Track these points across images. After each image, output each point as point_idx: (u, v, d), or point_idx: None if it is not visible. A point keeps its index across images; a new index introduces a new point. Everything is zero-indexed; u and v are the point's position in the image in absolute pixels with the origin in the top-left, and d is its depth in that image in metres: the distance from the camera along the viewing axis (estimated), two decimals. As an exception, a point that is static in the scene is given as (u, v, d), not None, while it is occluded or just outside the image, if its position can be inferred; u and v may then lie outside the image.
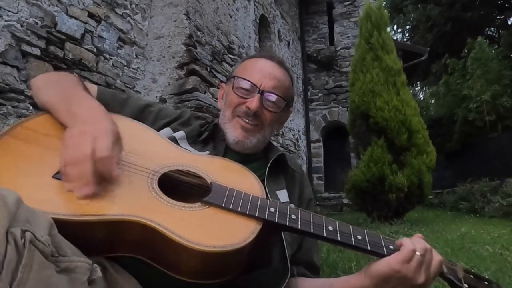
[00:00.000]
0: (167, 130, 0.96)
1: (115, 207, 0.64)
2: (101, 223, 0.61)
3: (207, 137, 0.99)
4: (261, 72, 0.98)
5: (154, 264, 0.65)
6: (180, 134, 0.95)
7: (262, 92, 0.95)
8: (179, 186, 0.78)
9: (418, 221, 5.19)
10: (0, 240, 0.43)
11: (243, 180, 0.81)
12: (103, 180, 0.65)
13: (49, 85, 0.86)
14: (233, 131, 0.97)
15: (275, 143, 1.13)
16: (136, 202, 0.66)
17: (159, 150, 0.83)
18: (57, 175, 0.66)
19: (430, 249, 0.72)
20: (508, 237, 3.42)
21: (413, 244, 0.71)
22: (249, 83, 0.96)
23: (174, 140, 0.91)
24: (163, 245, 0.62)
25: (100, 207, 0.63)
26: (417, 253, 0.69)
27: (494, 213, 6.26)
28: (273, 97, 0.97)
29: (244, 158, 0.97)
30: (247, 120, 0.96)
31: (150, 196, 0.69)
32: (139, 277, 0.66)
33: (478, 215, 6.64)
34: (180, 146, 0.90)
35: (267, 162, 0.97)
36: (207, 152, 0.93)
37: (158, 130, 0.95)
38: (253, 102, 0.94)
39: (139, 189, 0.69)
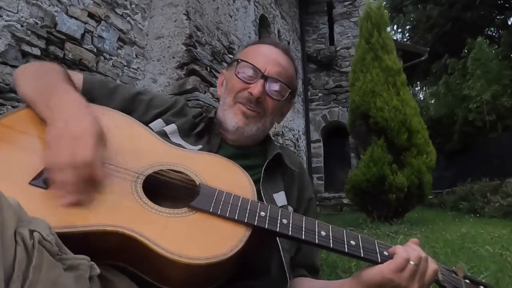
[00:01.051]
0: (159, 122, 0.91)
1: (96, 216, 0.60)
2: (81, 234, 0.58)
3: (201, 131, 0.94)
4: (265, 57, 0.93)
5: (139, 273, 0.63)
6: (171, 128, 0.90)
7: (266, 78, 0.91)
8: (165, 187, 0.75)
9: (418, 221, 5.19)
10: (9, 241, 0.42)
11: (234, 180, 0.77)
12: (88, 186, 0.62)
13: (29, 76, 0.82)
14: (233, 117, 0.92)
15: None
16: (119, 210, 0.63)
17: (146, 147, 0.78)
18: (35, 182, 0.62)
19: (425, 257, 0.69)
20: (508, 237, 3.42)
21: (407, 252, 0.69)
22: (253, 67, 0.91)
23: (164, 134, 0.87)
24: (146, 256, 0.60)
25: (80, 217, 0.59)
26: (411, 262, 0.67)
27: (494, 213, 6.27)
28: (277, 84, 0.92)
29: (241, 153, 0.93)
30: (248, 107, 0.91)
31: (134, 202, 0.66)
32: (131, 276, 0.65)
33: (478, 215, 6.64)
34: (171, 140, 0.86)
35: (264, 158, 0.92)
36: (200, 146, 0.89)
37: (150, 121, 0.90)
38: (256, 88, 0.89)
39: (122, 194, 0.66)
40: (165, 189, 0.74)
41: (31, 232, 0.45)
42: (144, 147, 0.78)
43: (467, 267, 1.96)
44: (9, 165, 0.64)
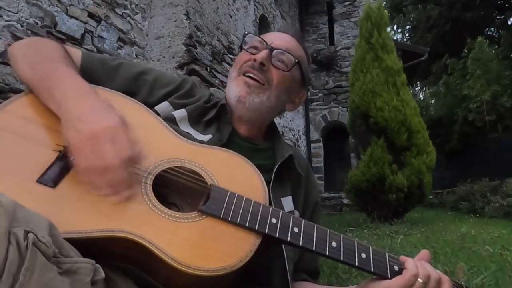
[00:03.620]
0: (166, 105, 0.87)
1: (105, 221, 0.59)
2: (89, 240, 0.57)
3: (212, 118, 0.90)
4: (274, 35, 0.94)
5: (146, 276, 0.63)
6: (181, 113, 0.86)
7: (272, 49, 0.88)
8: (176, 186, 0.73)
9: (418, 221, 5.19)
10: (1, 241, 0.41)
11: (246, 180, 0.75)
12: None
13: (27, 57, 0.75)
14: (235, 87, 0.88)
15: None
16: (128, 214, 0.61)
17: (155, 140, 0.74)
18: (42, 179, 0.59)
19: (436, 279, 0.67)
20: (508, 237, 3.42)
21: (417, 268, 0.67)
22: (260, 40, 0.91)
23: (173, 120, 0.83)
24: (154, 262, 0.60)
25: (89, 222, 0.58)
26: (419, 280, 0.66)
27: (494, 213, 6.27)
28: (283, 55, 0.89)
29: (250, 147, 0.90)
30: (251, 75, 0.87)
31: (144, 205, 0.64)
32: (136, 280, 0.64)
33: (478, 215, 6.64)
34: (180, 129, 0.82)
35: (273, 156, 0.90)
36: (210, 136, 0.85)
37: (155, 103, 0.86)
38: (259, 54, 0.87)
39: (131, 196, 0.64)
40: (175, 187, 0.73)
41: (26, 232, 0.43)
42: (154, 139, 0.74)
43: (467, 267, 1.95)
44: (16, 159, 0.60)
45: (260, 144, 0.94)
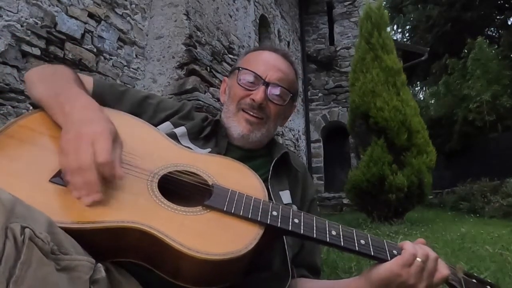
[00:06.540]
0: (167, 125, 0.94)
1: (114, 213, 0.62)
2: (99, 231, 0.59)
3: (209, 134, 0.96)
4: (265, 64, 0.96)
5: (154, 270, 0.65)
6: (181, 130, 0.92)
7: (267, 84, 0.93)
8: (179, 187, 0.76)
9: (418, 221, 5.19)
10: None
11: (245, 181, 0.80)
12: (107, 184, 0.64)
13: (42, 80, 0.83)
14: (237, 125, 0.95)
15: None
16: (136, 208, 0.65)
17: (159, 149, 0.80)
18: (54, 179, 0.64)
19: (434, 258, 0.70)
20: (508, 237, 3.42)
21: (415, 248, 0.70)
22: (254, 74, 0.94)
23: (174, 136, 0.89)
24: (163, 252, 0.62)
25: (99, 214, 0.61)
26: (418, 258, 0.68)
27: (494, 213, 6.26)
28: (278, 89, 0.95)
29: (247, 154, 0.95)
30: (251, 113, 0.94)
31: (150, 200, 0.67)
32: (140, 279, 0.66)
33: (478, 215, 6.64)
34: (181, 143, 0.88)
35: (270, 159, 0.95)
36: (209, 149, 0.91)
37: (158, 123, 0.93)
38: (258, 94, 0.92)
39: (138, 193, 0.68)
40: (178, 189, 0.76)
41: (23, 228, 0.44)
42: (157, 148, 0.80)
43: (467, 267, 1.95)
44: (30, 163, 0.66)
45: (257, 152, 0.99)
